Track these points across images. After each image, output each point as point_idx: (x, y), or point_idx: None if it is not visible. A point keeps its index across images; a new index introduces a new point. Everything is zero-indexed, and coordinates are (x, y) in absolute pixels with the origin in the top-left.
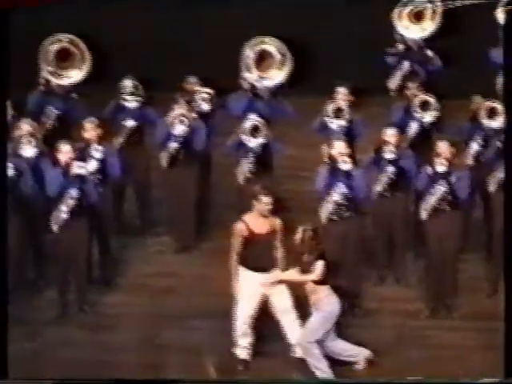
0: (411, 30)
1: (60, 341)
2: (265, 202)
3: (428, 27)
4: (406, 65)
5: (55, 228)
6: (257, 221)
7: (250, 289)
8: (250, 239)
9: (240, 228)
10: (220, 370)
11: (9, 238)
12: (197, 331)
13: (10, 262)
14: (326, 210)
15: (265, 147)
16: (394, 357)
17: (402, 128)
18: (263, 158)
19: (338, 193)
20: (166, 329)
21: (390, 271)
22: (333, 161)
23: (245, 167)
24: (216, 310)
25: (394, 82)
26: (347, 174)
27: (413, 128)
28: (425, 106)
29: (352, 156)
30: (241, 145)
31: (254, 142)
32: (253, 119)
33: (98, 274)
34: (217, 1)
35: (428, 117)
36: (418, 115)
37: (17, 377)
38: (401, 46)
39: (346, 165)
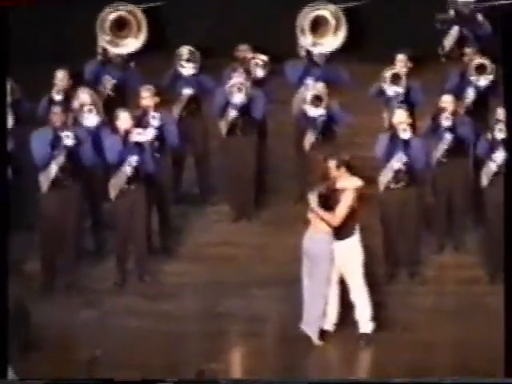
0: None
1: (120, 310)
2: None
3: None
4: (456, 30)
5: (113, 195)
6: None
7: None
8: None
9: None
10: (280, 338)
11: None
12: (257, 299)
13: (69, 232)
14: (385, 177)
15: (329, 115)
16: (454, 324)
17: (458, 94)
18: (328, 127)
19: (398, 161)
20: (226, 297)
21: (449, 238)
22: (393, 129)
23: (310, 135)
24: (275, 279)
25: (444, 48)
26: (406, 143)
27: (469, 94)
28: (480, 69)
29: (411, 123)
30: (306, 114)
31: (314, 112)
32: (315, 89)
33: (157, 242)
34: None
35: (483, 80)
36: (473, 78)
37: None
38: (451, 12)
39: (405, 133)
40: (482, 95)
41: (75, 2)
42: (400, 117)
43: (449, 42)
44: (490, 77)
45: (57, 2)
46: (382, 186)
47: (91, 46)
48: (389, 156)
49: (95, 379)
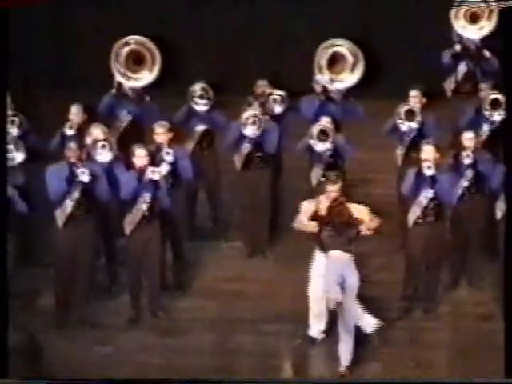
0: (468, 31)
1: (133, 345)
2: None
3: (485, 27)
4: (464, 65)
5: (128, 232)
6: None
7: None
8: None
9: None
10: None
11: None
12: (269, 335)
13: (83, 267)
14: (413, 213)
15: (336, 150)
16: (468, 359)
17: (473, 130)
18: (335, 161)
19: (425, 197)
20: (239, 333)
21: (463, 274)
22: (418, 164)
23: (318, 170)
24: (288, 315)
25: (450, 83)
26: (432, 179)
27: (484, 129)
28: (494, 104)
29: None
30: (312, 148)
31: (321, 146)
32: (321, 123)
33: (170, 278)
34: (291, 3)
35: (497, 116)
36: (487, 114)
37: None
38: (458, 47)
39: (430, 170)
40: (495, 130)
41: (89, 32)
42: (428, 153)
43: (456, 77)
44: (503, 112)
45: (70, 33)
46: (410, 223)
47: (105, 79)
48: (415, 193)
49: (96, 379)
